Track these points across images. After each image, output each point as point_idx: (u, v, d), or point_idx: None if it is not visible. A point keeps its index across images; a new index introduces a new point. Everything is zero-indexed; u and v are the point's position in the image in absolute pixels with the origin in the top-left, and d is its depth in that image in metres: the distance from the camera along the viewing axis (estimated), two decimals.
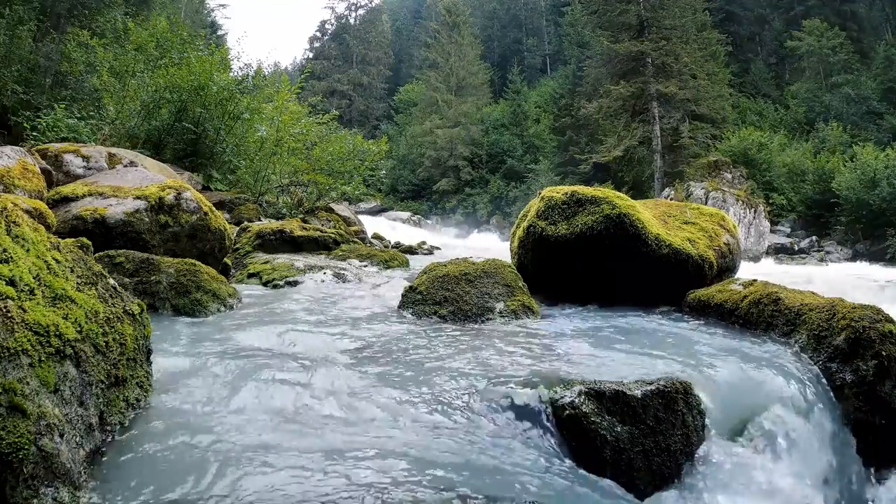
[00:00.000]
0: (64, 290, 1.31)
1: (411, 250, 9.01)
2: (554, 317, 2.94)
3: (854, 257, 19.46)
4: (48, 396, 1.11)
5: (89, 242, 1.83)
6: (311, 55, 55.84)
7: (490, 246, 16.42)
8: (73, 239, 1.74)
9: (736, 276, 3.38)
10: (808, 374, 2.08)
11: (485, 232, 30.35)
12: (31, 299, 1.19)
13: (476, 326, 2.53)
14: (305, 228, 5.37)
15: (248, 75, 11.06)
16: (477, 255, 3.29)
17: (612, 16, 27.16)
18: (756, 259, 18.94)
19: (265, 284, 3.68)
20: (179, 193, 3.63)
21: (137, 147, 7.56)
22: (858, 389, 2.01)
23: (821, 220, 22.92)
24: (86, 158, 4.96)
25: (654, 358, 2.05)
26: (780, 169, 25.06)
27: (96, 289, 1.47)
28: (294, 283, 3.66)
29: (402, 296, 2.88)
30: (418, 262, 5.03)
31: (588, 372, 1.83)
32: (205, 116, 8.26)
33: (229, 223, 4.79)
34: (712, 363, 2.04)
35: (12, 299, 1.13)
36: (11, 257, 1.22)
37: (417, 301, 2.76)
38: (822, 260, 19.69)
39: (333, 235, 5.44)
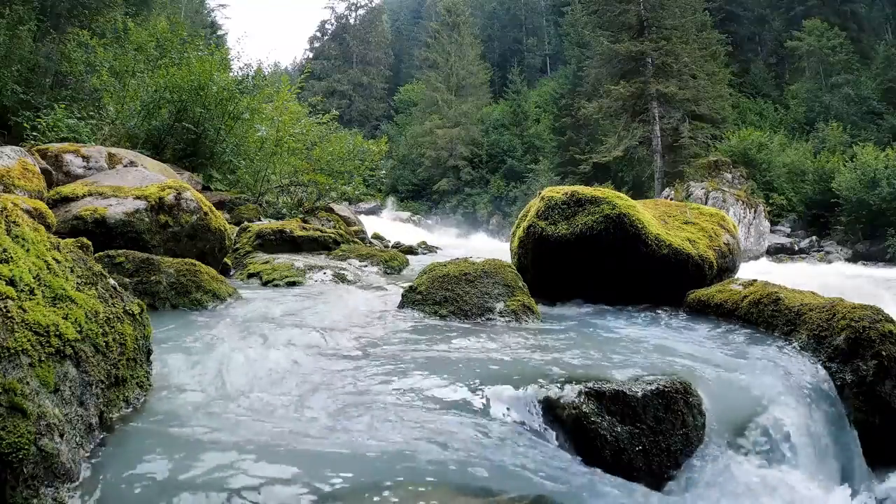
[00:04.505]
0: (64, 290, 1.31)
1: (411, 250, 9.00)
2: (554, 317, 2.94)
3: (854, 257, 19.45)
4: (48, 396, 1.11)
5: (89, 242, 1.83)
6: (311, 55, 55.92)
7: (490, 246, 16.43)
8: (73, 239, 1.74)
9: (736, 276, 3.38)
10: (808, 374, 2.08)
11: (485, 232, 30.33)
12: (31, 299, 1.19)
13: (476, 326, 2.53)
14: (305, 228, 5.36)
15: (248, 75, 11.04)
16: (477, 255, 3.29)
17: (612, 16, 27.16)
18: (756, 259, 18.93)
19: (265, 284, 3.68)
20: (179, 193, 3.63)
21: (137, 147, 7.56)
22: (858, 389, 2.01)
23: (821, 220, 22.92)
24: (86, 158, 4.96)
25: (653, 358, 2.05)
26: (780, 169, 25.05)
27: (96, 289, 1.47)
28: (294, 283, 3.66)
29: (402, 296, 2.88)
30: (418, 262, 5.03)
31: (588, 372, 1.83)
32: (205, 116, 8.26)
33: (229, 223, 4.78)
34: (712, 363, 2.04)
35: (12, 299, 1.13)
36: (11, 257, 1.22)
37: (417, 301, 2.76)
38: (822, 260, 19.69)
39: (333, 235, 5.43)
